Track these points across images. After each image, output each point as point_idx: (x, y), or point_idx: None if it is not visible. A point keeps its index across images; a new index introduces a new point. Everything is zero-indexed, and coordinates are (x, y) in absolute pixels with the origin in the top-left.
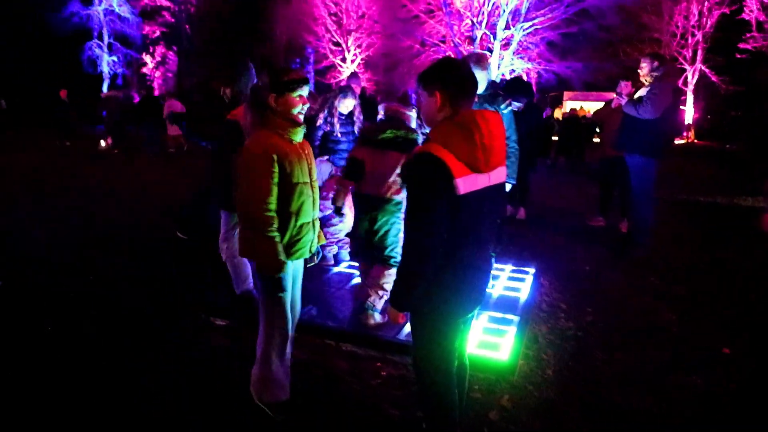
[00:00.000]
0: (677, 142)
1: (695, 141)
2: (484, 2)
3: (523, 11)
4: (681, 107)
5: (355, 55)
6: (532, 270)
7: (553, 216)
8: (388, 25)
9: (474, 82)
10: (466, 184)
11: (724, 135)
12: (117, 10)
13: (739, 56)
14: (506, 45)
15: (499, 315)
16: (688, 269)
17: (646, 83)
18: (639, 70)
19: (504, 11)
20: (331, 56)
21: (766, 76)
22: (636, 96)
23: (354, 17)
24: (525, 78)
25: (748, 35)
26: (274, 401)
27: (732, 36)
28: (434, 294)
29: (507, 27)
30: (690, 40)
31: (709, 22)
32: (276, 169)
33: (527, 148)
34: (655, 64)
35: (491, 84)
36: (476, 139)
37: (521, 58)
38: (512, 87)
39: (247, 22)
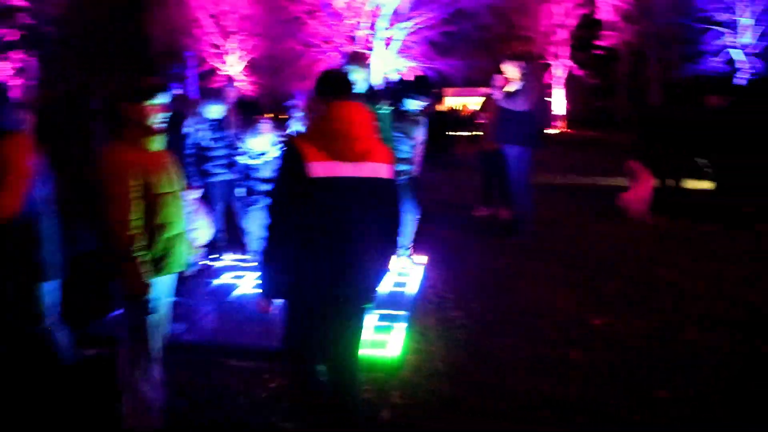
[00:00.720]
0: (552, 131)
1: (567, 130)
2: (364, 2)
3: (405, 11)
4: (548, 99)
5: (239, 58)
6: (422, 263)
7: (441, 209)
8: (269, 27)
9: (344, 83)
10: (321, 168)
11: (591, 123)
12: None
13: (596, 52)
14: (389, 44)
15: (387, 312)
16: (567, 251)
17: (516, 80)
18: (504, 72)
19: (384, 11)
20: (211, 60)
21: (618, 70)
22: (509, 90)
23: (235, 19)
24: (398, 78)
25: (602, 33)
26: None
27: (592, 34)
28: (290, 280)
29: (388, 27)
30: (556, 38)
31: (570, 22)
32: (134, 183)
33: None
34: (522, 64)
35: (387, 84)
36: (335, 128)
37: (404, 56)
38: (414, 87)
39: (122, 25)
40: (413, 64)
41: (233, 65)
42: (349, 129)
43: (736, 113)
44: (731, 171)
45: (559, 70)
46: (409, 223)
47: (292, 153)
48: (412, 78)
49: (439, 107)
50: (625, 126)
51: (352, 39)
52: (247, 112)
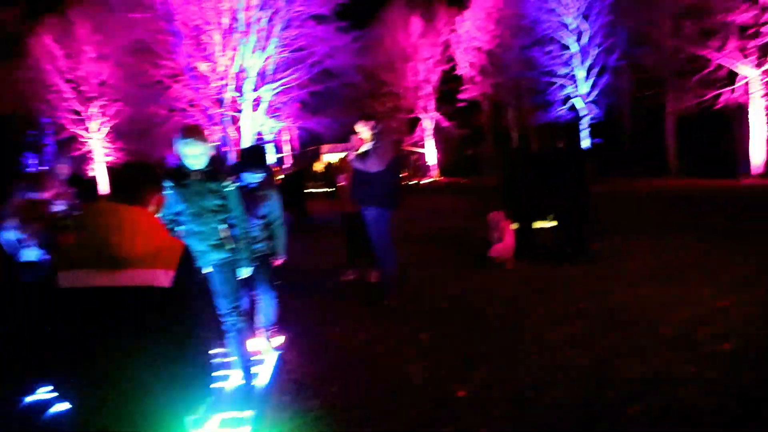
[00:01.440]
0: (426, 180)
1: (440, 178)
2: (228, 66)
3: (269, 72)
4: (420, 151)
5: (101, 124)
6: (279, 345)
7: (304, 278)
8: (131, 92)
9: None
10: (68, 279)
11: (461, 171)
12: None
13: (459, 105)
14: (257, 106)
15: (230, 415)
16: (435, 309)
17: (368, 140)
18: (357, 132)
19: (249, 74)
20: (71, 126)
21: (481, 119)
22: (362, 151)
23: (94, 84)
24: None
25: (463, 87)
26: None
27: (454, 88)
28: None
29: (256, 88)
30: (422, 93)
31: (434, 77)
32: None
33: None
34: (372, 123)
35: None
36: (83, 235)
37: (274, 117)
38: (247, 158)
39: None
40: (283, 124)
41: (95, 132)
42: (106, 238)
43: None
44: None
45: (428, 122)
46: (267, 305)
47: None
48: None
49: (317, 165)
50: (491, 171)
51: (219, 102)
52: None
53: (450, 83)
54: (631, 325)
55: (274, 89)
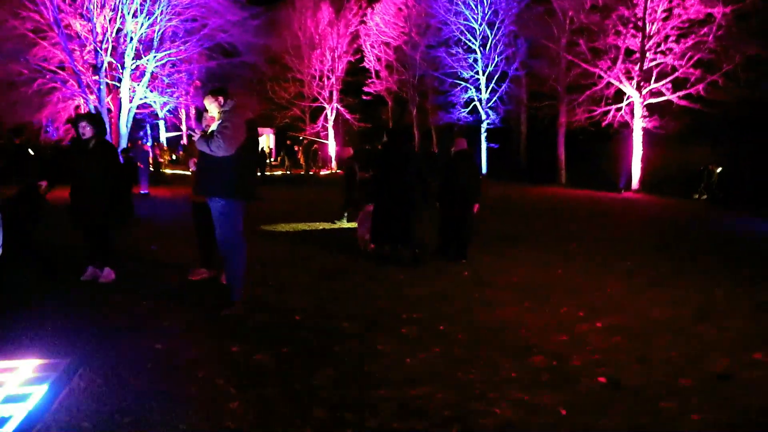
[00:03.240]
0: (325, 172)
1: (338, 171)
2: (107, 28)
3: (156, 42)
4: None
5: None
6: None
7: (147, 275)
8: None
9: None
10: None
11: (360, 165)
12: None
13: (365, 98)
14: (140, 76)
15: None
16: (281, 322)
17: (217, 119)
18: (206, 112)
19: (132, 39)
20: None
21: (383, 115)
22: (209, 131)
23: None
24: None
25: (368, 81)
26: None
27: (359, 80)
28: None
29: (138, 56)
30: (327, 82)
31: (340, 68)
32: None
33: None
34: (220, 99)
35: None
36: None
37: (165, 93)
38: None
39: None
40: (174, 100)
41: None
42: None
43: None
44: None
45: (330, 112)
46: None
47: None
48: None
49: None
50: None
51: (95, 68)
52: None
53: (355, 75)
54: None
55: (159, 60)
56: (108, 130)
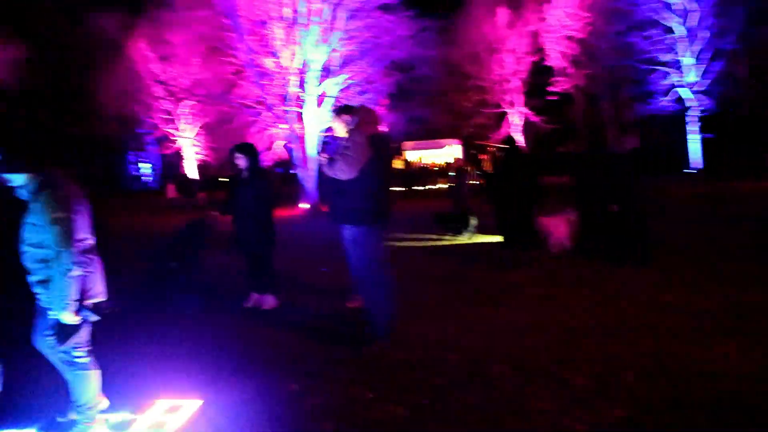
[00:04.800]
0: None
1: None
2: (291, 60)
3: (335, 67)
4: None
5: (191, 122)
6: (197, 404)
7: (307, 301)
8: (208, 92)
9: None
10: None
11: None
12: None
13: (550, 98)
14: (321, 101)
15: None
16: (420, 371)
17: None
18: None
19: (312, 68)
20: (163, 126)
21: (574, 113)
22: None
23: (184, 84)
24: None
25: (553, 80)
26: None
27: (544, 80)
28: None
29: (320, 83)
30: (509, 86)
31: (522, 69)
32: None
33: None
34: (346, 118)
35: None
36: None
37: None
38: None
39: (69, 97)
40: None
41: (185, 130)
42: None
43: None
44: None
45: (516, 117)
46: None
47: None
48: None
49: (399, 162)
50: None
51: (284, 98)
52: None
53: (539, 76)
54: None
55: (338, 84)
56: (258, 158)
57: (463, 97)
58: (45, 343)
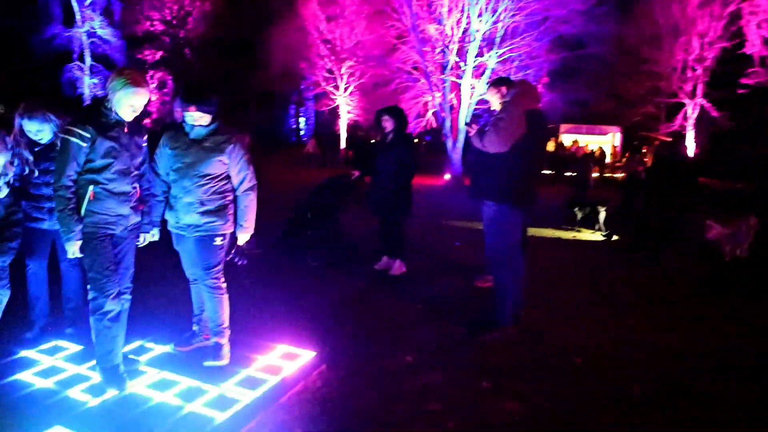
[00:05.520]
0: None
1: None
2: (454, 29)
3: (498, 38)
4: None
5: (348, 82)
6: (310, 355)
7: (435, 275)
8: (370, 54)
9: None
10: None
11: (732, 173)
12: (99, 32)
13: (740, 91)
14: (482, 73)
15: None
16: (544, 371)
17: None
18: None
19: (475, 38)
20: (323, 84)
21: (765, 112)
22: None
23: (348, 45)
24: None
25: (750, 70)
26: None
27: (733, 70)
28: None
29: (480, 54)
30: (690, 74)
31: (710, 56)
32: None
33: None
34: (503, 89)
35: None
36: None
37: None
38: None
39: (245, 49)
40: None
41: (343, 90)
42: None
43: None
44: None
45: (691, 109)
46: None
47: None
48: None
49: (552, 144)
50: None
51: (442, 67)
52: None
53: (729, 64)
54: None
55: (500, 56)
56: (406, 123)
57: (633, 82)
58: (197, 271)
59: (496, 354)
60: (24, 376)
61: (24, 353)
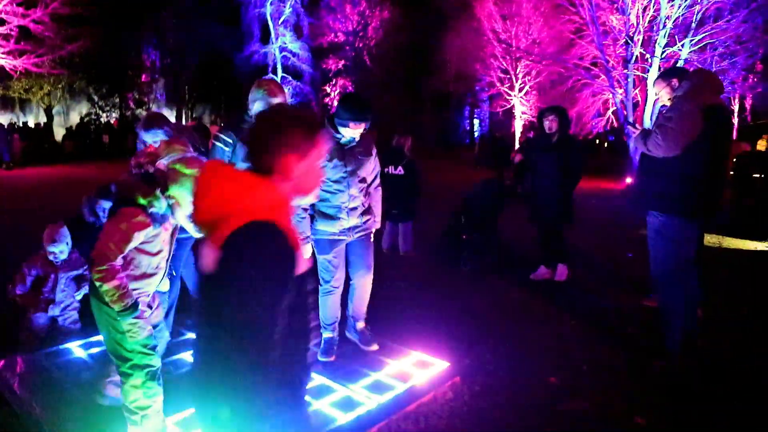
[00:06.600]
0: None
1: None
2: (639, 18)
3: (693, 24)
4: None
5: (524, 82)
6: (443, 366)
7: (596, 286)
8: (546, 52)
9: None
10: None
11: None
12: (290, 46)
13: None
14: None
15: None
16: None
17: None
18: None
19: (665, 25)
20: (498, 84)
21: None
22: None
23: (524, 43)
24: None
25: None
26: None
27: None
28: None
29: (670, 44)
30: None
31: None
32: None
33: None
34: (673, 82)
35: None
36: None
37: None
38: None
39: (420, 54)
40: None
41: (518, 90)
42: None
43: None
44: None
45: None
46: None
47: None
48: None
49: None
50: None
51: (625, 60)
52: None
53: None
54: None
55: (695, 44)
56: (570, 124)
57: None
58: (361, 270)
59: (657, 386)
60: (186, 356)
61: (189, 335)
